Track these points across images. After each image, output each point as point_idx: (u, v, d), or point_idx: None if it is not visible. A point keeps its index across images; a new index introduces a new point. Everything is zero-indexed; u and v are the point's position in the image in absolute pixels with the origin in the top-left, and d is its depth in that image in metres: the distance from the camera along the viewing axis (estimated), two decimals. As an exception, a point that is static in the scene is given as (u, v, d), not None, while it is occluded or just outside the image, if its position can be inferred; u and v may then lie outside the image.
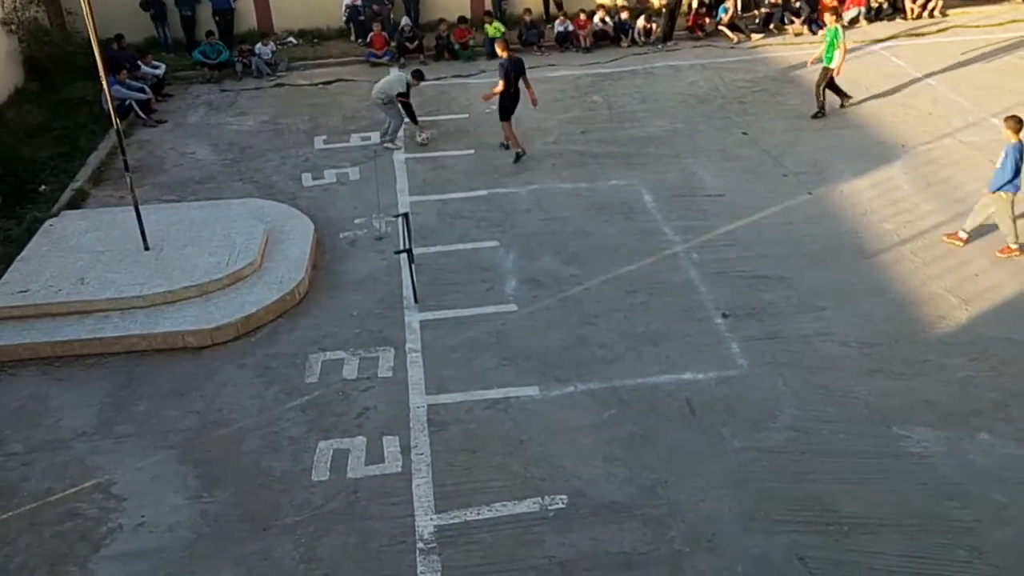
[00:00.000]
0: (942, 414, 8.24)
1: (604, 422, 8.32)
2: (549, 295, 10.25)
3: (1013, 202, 10.46)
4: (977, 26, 19.01)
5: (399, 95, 13.96)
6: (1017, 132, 10.27)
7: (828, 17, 14.71)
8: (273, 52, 18.20)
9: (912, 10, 19.65)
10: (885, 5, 19.78)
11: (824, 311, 9.79)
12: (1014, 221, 10.54)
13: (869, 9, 19.65)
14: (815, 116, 14.63)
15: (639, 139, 14.27)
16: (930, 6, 19.68)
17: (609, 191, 12.61)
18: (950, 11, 19.88)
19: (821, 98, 14.65)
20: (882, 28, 19.23)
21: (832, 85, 14.72)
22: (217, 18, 18.79)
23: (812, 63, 15.29)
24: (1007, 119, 10.46)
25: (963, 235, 10.79)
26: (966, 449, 7.84)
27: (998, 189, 10.36)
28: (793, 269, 10.57)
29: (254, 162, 14.09)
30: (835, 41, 14.29)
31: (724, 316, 9.77)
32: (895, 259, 10.67)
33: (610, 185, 12.78)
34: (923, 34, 18.70)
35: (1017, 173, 10.22)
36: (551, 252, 11.12)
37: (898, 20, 19.64)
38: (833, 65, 14.43)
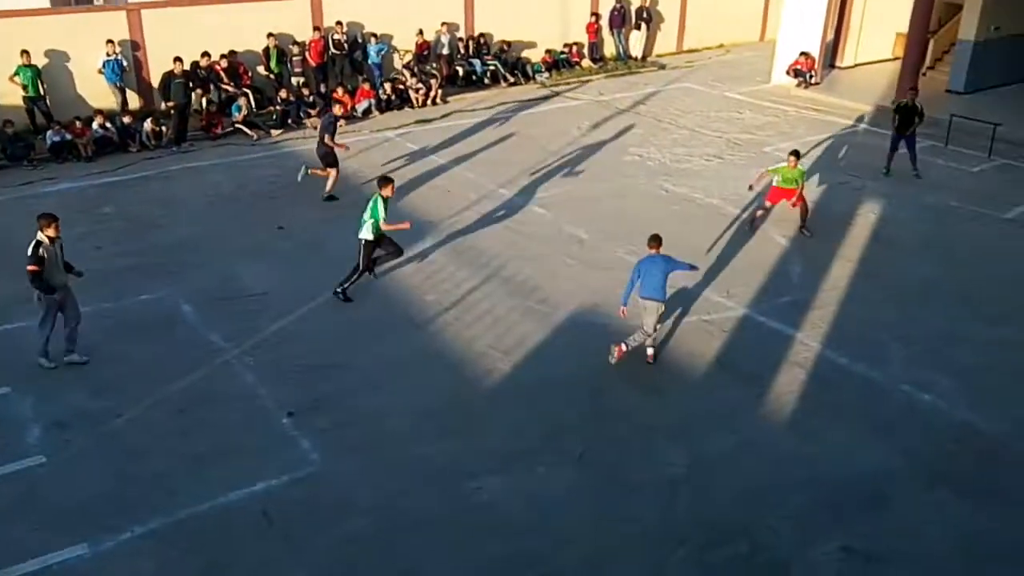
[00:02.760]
0: (503, 458, 8.71)
1: (174, 562, 7.43)
2: (83, 436, 8.96)
3: (657, 310, 10.10)
4: (474, 109, 21.21)
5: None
6: (656, 247, 10.19)
7: (385, 188, 11.88)
8: None
9: (417, 99, 21.35)
10: (393, 96, 21.23)
11: (384, 388, 9.87)
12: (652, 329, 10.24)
13: (379, 100, 20.92)
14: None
15: (166, 247, 13.33)
16: (431, 95, 21.58)
17: (140, 307, 11.53)
18: (449, 98, 21.98)
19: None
20: (394, 117, 20.51)
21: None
22: None
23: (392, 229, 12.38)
24: (650, 239, 10.21)
25: (650, 351, 10.41)
26: (526, 485, 8.37)
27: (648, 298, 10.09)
28: (348, 353, 10.55)
29: None
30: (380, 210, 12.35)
31: (289, 415, 9.38)
32: (442, 326, 11.17)
33: (140, 300, 11.69)
34: (430, 120, 20.34)
35: (632, 285, 10.11)
36: (77, 387, 9.78)
37: (407, 109, 21.18)
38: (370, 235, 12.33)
